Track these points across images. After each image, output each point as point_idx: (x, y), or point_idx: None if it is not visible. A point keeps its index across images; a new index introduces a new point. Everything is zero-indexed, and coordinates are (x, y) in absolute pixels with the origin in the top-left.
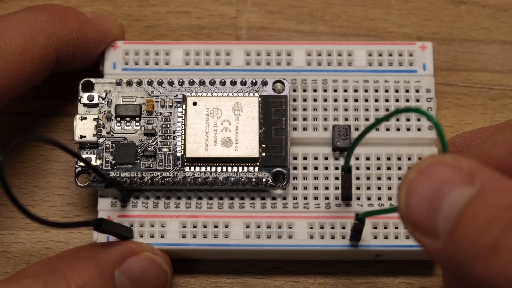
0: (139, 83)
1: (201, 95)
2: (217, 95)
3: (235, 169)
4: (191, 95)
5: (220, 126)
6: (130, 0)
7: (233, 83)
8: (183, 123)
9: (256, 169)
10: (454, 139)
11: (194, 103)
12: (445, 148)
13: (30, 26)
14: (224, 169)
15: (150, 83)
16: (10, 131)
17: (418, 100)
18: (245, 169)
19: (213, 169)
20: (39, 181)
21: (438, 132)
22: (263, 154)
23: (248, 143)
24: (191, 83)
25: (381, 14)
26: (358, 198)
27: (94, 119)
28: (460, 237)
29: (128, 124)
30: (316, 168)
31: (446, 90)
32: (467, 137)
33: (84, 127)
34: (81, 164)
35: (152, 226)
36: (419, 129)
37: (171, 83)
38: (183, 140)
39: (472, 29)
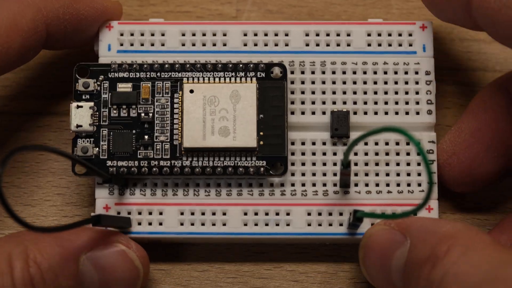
0: (136, 68)
1: (198, 80)
2: (214, 81)
3: (232, 158)
4: (187, 80)
5: (218, 114)
6: (130, 0)
7: (231, 67)
8: (180, 110)
9: (254, 158)
10: (442, 146)
11: (191, 91)
12: (429, 172)
13: (18, 0)
14: (222, 158)
15: (145, 67)
16: (10, 131)
17: (417, 83)
18: (243, 158)
19: (211, 158)
20: (39, 180)
21: (422, 155)
22: (261, 143)
23: (246, 132)
24: (188, 66)
25: (381, 14)
26: (356, 185)
27: (90, 107)
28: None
29: (124, 111)
30: (314, 154)
31: (447, 89)
32: (451, 138)
33: (80, 115)
34: (79, 153)
35: (150, 214)
36: (417, 113)
37: (167, 68)
38: (180, 129)
39: None
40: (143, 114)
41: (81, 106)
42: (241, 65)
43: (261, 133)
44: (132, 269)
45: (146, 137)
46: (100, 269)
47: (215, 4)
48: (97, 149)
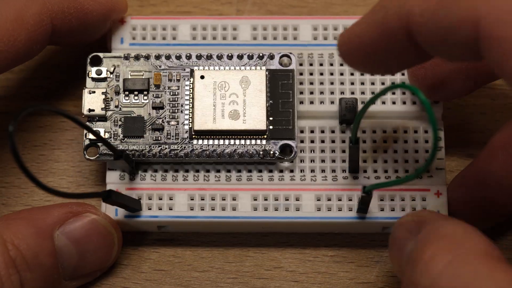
0: (147, 57)
1: (208, 68)
2: (224, 69)
3: (242, 141)
4: (198, 69)
5: (228, 99)
6: (130, 0)
7: (240, 57)
8: (191, 96)
9: (264, 141)
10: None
11: (202, 77)
12: (435, 126)
13: None
14: (232, 141)
15: (157, 57)
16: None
17: None
18: (253, 141)
19: (221, 141)
20: (40, 180)
21: (427, 109)
22: (270, 127)
23: (255, 116)
24: (198, 57)
25: None
26: (365, 171)
27: (102, 93)
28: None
29: (136, 98)
30: (323, 141)
31: None
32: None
33: (92, 100)
34: (90, 137)
35: (160, 199)
36: None
37: (178, 57)
38: (191, 114)
39: None
40: (154, 100)
41: (94, 92)
42: (251, 55)
43: (271, 118)
44: (106, 234)
45: (157, 121)
46: (75, 241)
47: (215, 5)
48: (108, 134)
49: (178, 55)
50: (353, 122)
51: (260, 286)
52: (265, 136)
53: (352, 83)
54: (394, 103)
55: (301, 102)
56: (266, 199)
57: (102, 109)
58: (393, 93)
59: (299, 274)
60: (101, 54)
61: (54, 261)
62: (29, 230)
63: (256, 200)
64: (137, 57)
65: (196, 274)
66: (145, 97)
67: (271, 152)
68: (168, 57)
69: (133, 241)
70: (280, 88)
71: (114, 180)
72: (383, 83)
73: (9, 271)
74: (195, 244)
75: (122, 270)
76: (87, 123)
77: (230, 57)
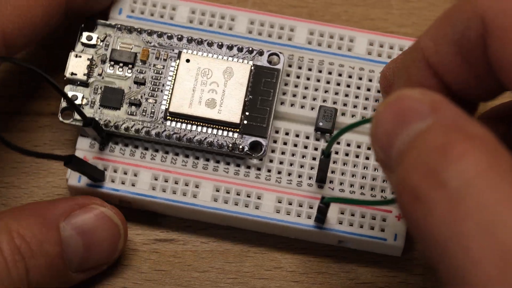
0: (140, 31)
1: (196, 53)
2: (212, 57)
3: (214, 131)
4: (186, 52)
5: (208, 86)
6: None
7: (230, 47)
8: (173, 78)
9: (236, 135)
10: (384, 73)
11: (187, 60)
12: None
13: None
14: (204, 129)
15: (150, 33)
16: (10, 131)
17: None
18: (225, 133)
19: (193, 128)
20: (39, 181)
21: None
22: (245, 122)
23: (231, 108)
24: (190, 40)
25: (381, 14)
26: (331, 182)
27: (88, 59)
28: (400, 173)
29: (120, 70)
30: (295, 145)
31: None
32: (395, 69)
33: (77, 65)
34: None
35: (125, 173)
36: None
37: (170, 37)
38: (169, 94)
39: None
40: (137, 75)
41: (80, 56)
42: (241, 47)
43: (247, 113)
44: (112, 227)
45: (135, 96)
46: (81, 233)
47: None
48: (86, 100)
49: (170, 35)
50: (330, 137)
51: (260, 287)
52: (238, 130)
53: (336, 93)
54: None
55: (282, 103)
56: (228, 192)
57: (84, 74)
58: (375, 110)
59: (299, 274)
60: (96, 20)
61: (60, 251)
62: (35, 220)
63: (218, 191)
64: (129, 30)
65: (196, 274)
66: (129, 71)
67: (241, 147)
68: (160, 35)
69: (133, 241)
70: (263, 85)
71: (83, 147)
72: (366, 98)
73: (15, 257)
74: (195, 245)
75: (122, 270)
76: (69, 85)
77: (220, 46)
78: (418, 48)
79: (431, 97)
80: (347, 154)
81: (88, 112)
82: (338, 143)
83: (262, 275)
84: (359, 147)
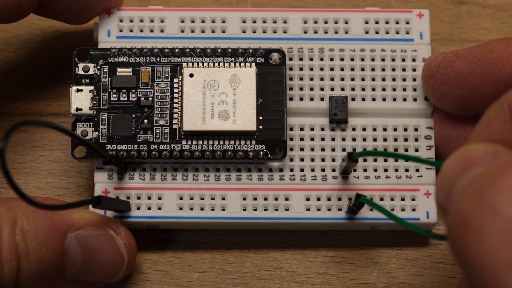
0: (134, 52)
1: (197, 64)
2: (214, 66)
3: (232, 142)
4: (187, 65)
5: (217, 98)
6: (130, 0)
7: (230, 52)
8: (180, 95)
9: (253, 142)
10: (430, 63)
11: (191, 75)
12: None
13: None
14: (222, 142)
15: (145, 52)
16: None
17: (414, 70)
18: (242, 142)
19: (210, 142)
20: (39, 181)
21: None
22: (260, 127)
23: (245, 116)
24: (187, 51)
25: None
26: (355, 170)
27: (90, 91)
28: (452, 210)
29: (124, 95)
30: (312, 139)
31: None
32: (441, 63)
33: (80, 99)
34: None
35: (149, 198)
36: (415, 99)
37: (167, 53)
38: (179, 113)
39: (472, 29)
40: (142, 98)
41: (81, 90)
42: (240, 50)
43: (261, 118)
44: (117, 255)
45: (145, 121)
46: (85, 249)
47: (215, 5)
48: (97, 132)
49: (166, 50)
50: (368, 153)
51: (260, 287)
52: (255, 136)
53: (342, 79)
54: (384, 99)
55: (291, 99)
56: (255, 199)
57: (89, 108)
58: (383, 89)
59: (299, 274)
60: (87, 49)
61: (56, 260)
62: (44, 221)
63: (245, 200)
64: (124, 53)
65: (196, 274)
66: (133, 95)
67: (261, 153)
68: (156, 53)
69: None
70: (271, 86)
71: (102, 180)
72: (373, 79)
73: (11, 255)
74: (195, 245)
75: None
76: (75, 121)
77: (219, 53)
78: (504, 102)
79: (494, 147)
80: (364, 139)
81: (101, 145)
82: (354, 129)
83: (262, 276)
84: (375, 130)
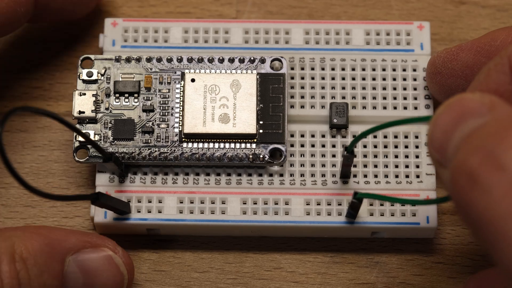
0: (138, 59)
1: (199, 71)
2: (215, 72)
3: (232, 145)
4: (189, 72)
5: (218, 102)
6: (130, 0)
7: (231, 60)
8: (181, 99)
9: (253, 145)
10: (434, 60)
11: (193, 80)
12: None
13: None
14: (222, 145)
15: (149, 60)
16: (10, 131)
17: (415, 79)
18: (243, 145)
19: (211, 145)
20: (39, 181)
21: None
22: (260, 131)
23: (245, 120)
24: (190, 60)
25: (381, 15)
26: (355, 176)
27: (93, 95)
28: (457, 160)
29: (126, 100)
30: (313, 146)
31: None
32: (445, 58)
33: (82, 102)
34: (80, 139)
35: (150, 202)
36: (416, 108)
37: (169, 60)
38: (181, 117)
39: (472, 29)
40: (144, 102)
41: (84, 94)
42: (242, 58)
43: (261, 122)
44: (117, 274)
45: (147, 124)
46: (85, 272)
47: (215, 5)
48: (98, 136)
49: (169, 58)
50: (358, 135)
51: (260, 287)
52: (255, 140)
53: (343, 88)
54: (385, 108)
55: (292, 106)
56: (255, 203)
57: (92, 111)
58: (384, 98)
59: (299, 275)
60: (92, 56)
61: (58, 284)
62: (42, 247)
63: (245, 203)
64: (128, 60)
65: (196, 274)
66: (136, 100)
67: (261, 156)
68: (159, 60)
69: (133, 242)
70: (271, 92)
71: (103, 182)
72: (374, 88)
73: (13, 282)
74: (195, 245)
75: None
76: (77, 125)
77: (221, 61)
78: (505, 54)
79: (490, 98)
80: (365, 146)
81: (103, 147)
82: (354, 136)
83: (262, 276)
84: (375, 137)
